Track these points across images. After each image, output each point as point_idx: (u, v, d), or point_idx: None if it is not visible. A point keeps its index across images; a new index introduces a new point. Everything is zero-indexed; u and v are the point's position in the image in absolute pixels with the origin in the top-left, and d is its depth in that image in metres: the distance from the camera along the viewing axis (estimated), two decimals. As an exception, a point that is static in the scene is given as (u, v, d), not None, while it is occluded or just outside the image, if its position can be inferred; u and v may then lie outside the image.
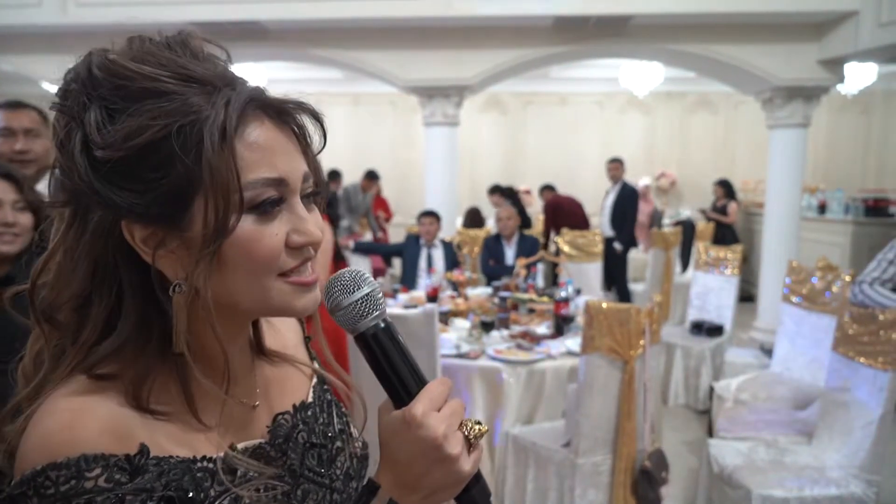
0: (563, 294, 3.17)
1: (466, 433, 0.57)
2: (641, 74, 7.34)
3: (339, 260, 4.21)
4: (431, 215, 4.86)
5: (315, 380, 0.72)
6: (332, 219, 2.58)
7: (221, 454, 0.56)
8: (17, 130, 1.99)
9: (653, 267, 5.92)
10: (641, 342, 2.25)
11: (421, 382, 0.58)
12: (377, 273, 5.50)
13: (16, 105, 2.04)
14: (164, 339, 0.54)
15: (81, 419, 0.50)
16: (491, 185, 7.50)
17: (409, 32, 4.84)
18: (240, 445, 0.59)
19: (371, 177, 7.15)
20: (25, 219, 1.54)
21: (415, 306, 3.31)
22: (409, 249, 4.91)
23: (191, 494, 0.52)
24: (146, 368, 0.54)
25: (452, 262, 4.79)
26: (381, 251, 5.31)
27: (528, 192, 7.69)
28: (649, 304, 2.31)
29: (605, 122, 8.98)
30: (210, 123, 0.50)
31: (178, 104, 0.50)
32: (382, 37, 4.86)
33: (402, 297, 4.00)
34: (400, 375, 0.58)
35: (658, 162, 8.91)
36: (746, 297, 6.45)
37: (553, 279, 4.83)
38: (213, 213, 0.50)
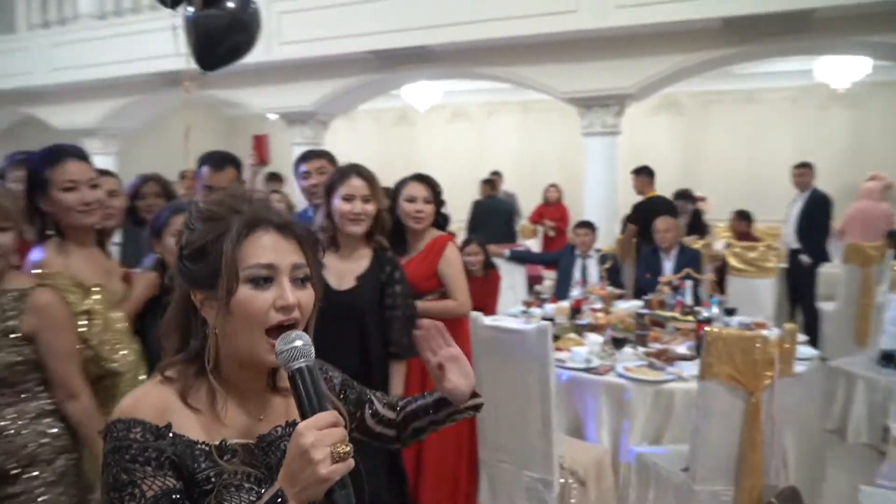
0: (705, 314, 3.05)
1: (333, 450, 0.75)
2: (842, 65, 6.52)
3: (489, 268, 4.43)
4: (587, 226, 4.87)
5: None
6: (443, 225, 2.76)
7: (217, 443, 0.86)
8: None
9: (846, 285, 5.26)
10: (770, 373, 2.14)
11: (322, 410, 0.80)
12: (534, 281, 5.61)
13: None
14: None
15: (145, 398, 0.86)
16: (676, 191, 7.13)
17: (566, 45, 4.91)
18: (231, 441, 0.87)
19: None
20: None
21: (551, 320, 3.40)
22: (565, 259, 4.96)
23: (187, 463, 0.82)
24: (192, 378, 0.88)
25: (608, 273, 4.75)
26: (536, 260, 5.43)
27: (703, 200, 7.23)
28: (779, 334, 2.18)
29: (800, 120, 8.09)
30: (230, 234, 0.86)
31: (220, 224, 0.87)
32: (539, 51, 5.00)
33: (549, 307, 4.09)
34: (311, 403, 0.80)
35: (868, 164, 7.78)
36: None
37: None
38: (225, 282, 0.84)
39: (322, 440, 0.75)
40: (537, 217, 7.77)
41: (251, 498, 0.83)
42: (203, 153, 2.49)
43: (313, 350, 0.84)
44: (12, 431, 1.58)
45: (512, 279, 5.26)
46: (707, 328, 2.17)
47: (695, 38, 4.66)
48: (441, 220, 2.75)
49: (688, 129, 8.71)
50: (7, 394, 1.59)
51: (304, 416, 0.79)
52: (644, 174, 5.63)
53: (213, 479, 0.83)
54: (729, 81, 8.05)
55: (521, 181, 8.78)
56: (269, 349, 0.84)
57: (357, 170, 2.15)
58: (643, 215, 5.36)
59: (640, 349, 3.05)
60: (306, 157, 2.78)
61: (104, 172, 2.36)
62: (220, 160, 2.44)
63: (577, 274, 4.84)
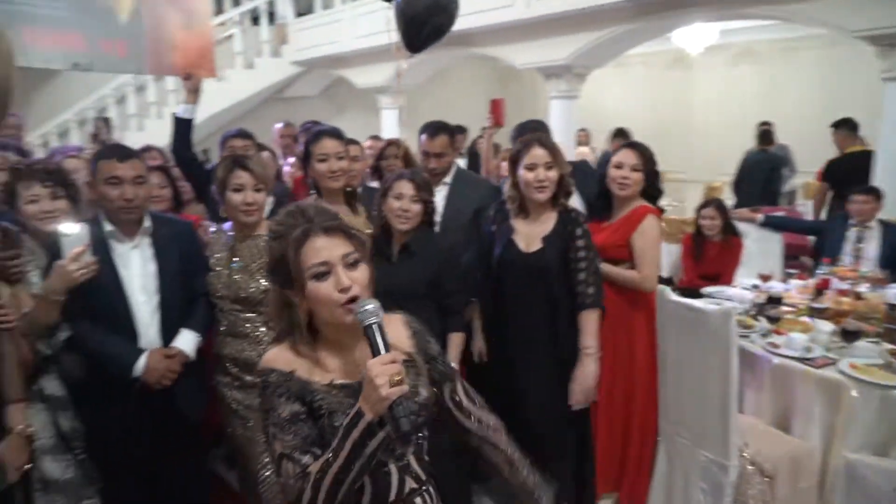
0: None
1: (391, 378, 1.05)
2: None
3: (730, 234, 4.09)
4: (868, 192, 4.12)
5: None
6: (655, 196, 2.69)
7: (325, 382, 1.21)
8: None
9: None
10: None
11: (386, 352, 1.10)
12: (797, 251, 4.92)
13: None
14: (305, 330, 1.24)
15: (277, 354, 1.23)
16: None
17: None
18: (336, 381, 1.21)
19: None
20: (417, 207, 2.27)
21: (778, 300, 3.06)
22: (835, 229, 4.28)
23: (305, 397, 1.18)
24: (297, 339, 1.23)
25: (890, 249, 3.98)
26: (797, 227, 4.73)
27: None
28: None
29: None
30: (291, 244, 1.17)
31: (283, 241, 1.19)
32: (822, -18, 4.23)
33: (794, 283, 3.66)
34: (377, 346, 1.10)
35: None
36: None
37: None
38: (298, 281, 1.18)
39: (384, 371, 1.06)
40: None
41: None
42: (424, 123, 2.86)
43: (381, 311, 1.13)
44: (266, 340, 2.17)
45: (768, 246, 4.71)
46: (931, 335, 1.81)
47: None
48: (653, 192, 2.68)
49: None
50: (263, 313, 2.18)
51: (374, 356, 1.09)
52: (845, 128, 5.24)
53: (323, 408, 1.18)
54: None
55: (820, 132, 7.51)
56: (345, 313, 1.16)
57: (539, 140, 2.28)
58: (837, 174, 4.95)
59: (886, 346, 2.61)
60: (522, 132, 2.88)
61: (351, 142, 2.89)
62: (434, 129, 2.79)
63: (847, 248, 4.16)
